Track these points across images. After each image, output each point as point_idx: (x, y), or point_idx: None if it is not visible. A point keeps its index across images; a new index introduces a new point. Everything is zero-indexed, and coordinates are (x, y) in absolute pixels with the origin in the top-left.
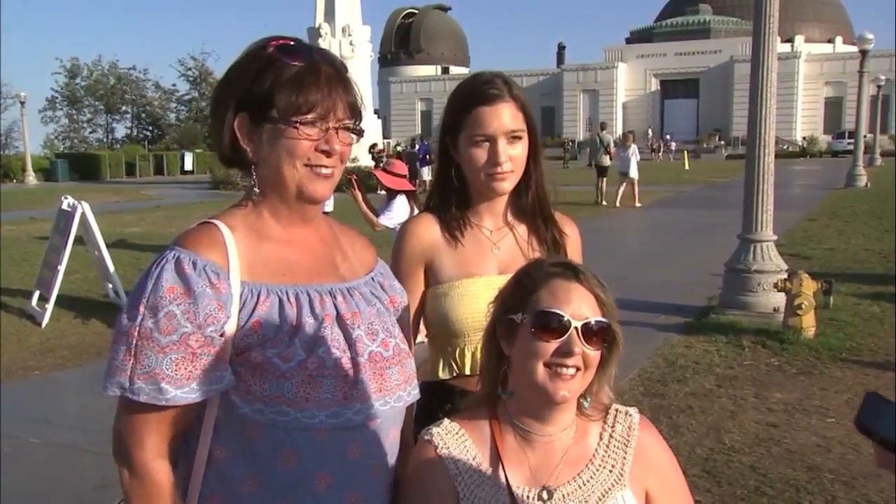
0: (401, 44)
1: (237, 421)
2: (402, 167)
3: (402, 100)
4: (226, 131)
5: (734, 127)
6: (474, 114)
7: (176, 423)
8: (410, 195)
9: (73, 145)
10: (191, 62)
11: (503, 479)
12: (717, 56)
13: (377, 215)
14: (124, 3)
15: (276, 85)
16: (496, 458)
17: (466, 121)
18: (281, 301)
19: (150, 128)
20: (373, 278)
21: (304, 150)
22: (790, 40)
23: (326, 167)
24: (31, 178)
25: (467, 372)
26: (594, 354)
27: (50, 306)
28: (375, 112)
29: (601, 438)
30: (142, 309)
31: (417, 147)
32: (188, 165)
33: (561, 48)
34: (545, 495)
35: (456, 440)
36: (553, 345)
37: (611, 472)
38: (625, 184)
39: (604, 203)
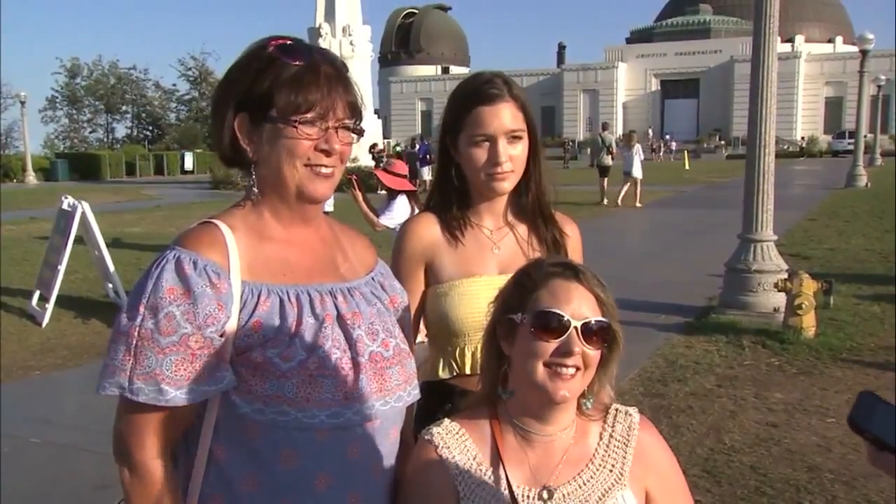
0: (401, 44)
1: (237, 421)
2: (402, 167)
3: (402, 100)
4: (226, 131)
5: (734, 127)
6: (474, 113)
7: (176, 423)
8: (411, 195)
9: (73, 145)
10: (191, 62)
11: (503, 479)
12: (718, 56)
13: (377, 215)
14: (125, 3)
15: (275, 84)
16: (496, 457)
17: (467, 120)
18: (281, 301)
19: (151, 128)
20: (373, 278)
21: (303, 149)
22: (790, 40)
23: (326, 167)
24: (32, 177)
25: (467, 371)
26: (594, 354)
27: (50, 306)
28: (376, 112)
29: (601, 438)
30: (142, 309)
31: (418, 147)
32: (188, 165)
33: (561, 48)
34: (545, 495)
35: (456, 440)
36: (553, 344)
37: (611, 471)
38: (628, 183)
39: (605, 202)
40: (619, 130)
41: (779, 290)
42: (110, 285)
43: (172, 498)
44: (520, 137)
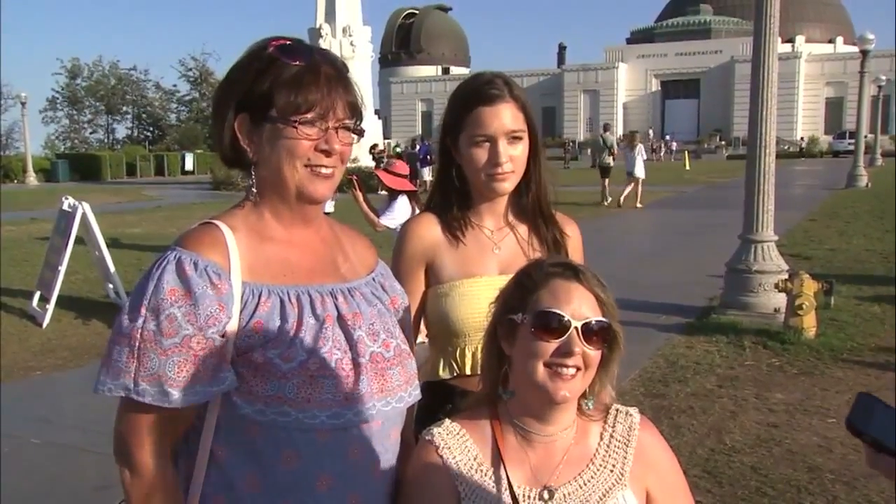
0: (401, 44)
1: (238, 421)
2: (403, 167)
3: (402, 100)
4: (226, 131)
5: (735, 127)
6: (475, 114)
7: (177, 424)
8: (412, 195)
9: (73, 146)
10: (191, 63)
11: (504, 479)
12: (718, 56)
13: (378, 215)
14: (125, 3)
15: (275, 85)
16: (497, 457)
17: (467, 121)
18: (282, 302)
19: (151, 128)
20: (374, 279)
21: (303, 149)
22: (791, 40)
23: (326, 167)
24: (32, 178)
25: (468, 372)
26: (594, 354)
27: (51, 307)
28: (376, 112)
29: (602, 438)
30: (143, 311)
31: (418, 147)
32: (189, 166)
33: (561, 48)
34: (546, 495)
35: (457, 440)
36: (553, 345)
37: (611, 471)
38: (632, 184)
39: (607, 202)
40: (620, 131)
41: (779, 291)
42: (111, 286)
43: (173, 498)
44: (520, 138)
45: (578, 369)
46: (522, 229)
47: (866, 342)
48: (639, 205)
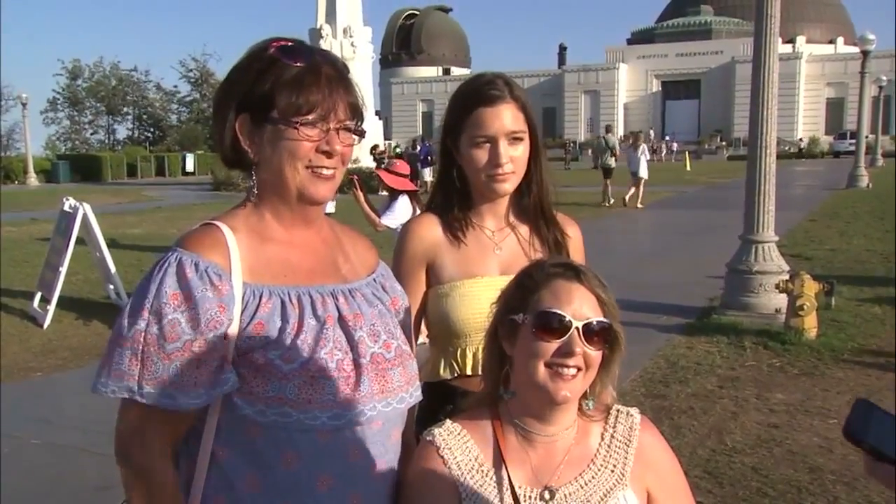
0: (402, 45)
1: (239, 422)
2: (404, 167)
3: (403, 101)
4: (227, 132)
5: (735, 128)
6: (475, 115)
7: (178, 425)
8: (412, 195)
9: (74, 147)
10: (192, 63)
11: (505, 480)
12: (719, 57)
13: (379, 216)
14: (126, 4)
15: (276, 86)
16: (498, 458)
17: (467, 122)
18: (283, 302)
19: (152, 129)
20: (374, 279)
21: (304, 151)
22: (791, 41)
23: (327, 168)
24: (33, 179)
25: (468, 372)
26: (595, 354)
27: (51, 307)
28: (377, 113)
29: (602, 438)
30: (146, 314)
31: (419, 148)
32: (189, 167)
33: (562, 49)
34: (547, 495)
35: (458, 441)
36: (554, 345)
37: (612, 472)
38: (636, 183)
39: (609, 202)
40: (620, 131)
41: (780, 291)
42: (111, 287)
43: (174, 499)
44: (521, 139)
45: (579, 369)
46: (524, 230)
47: (867, 343)
48: (639, 205)
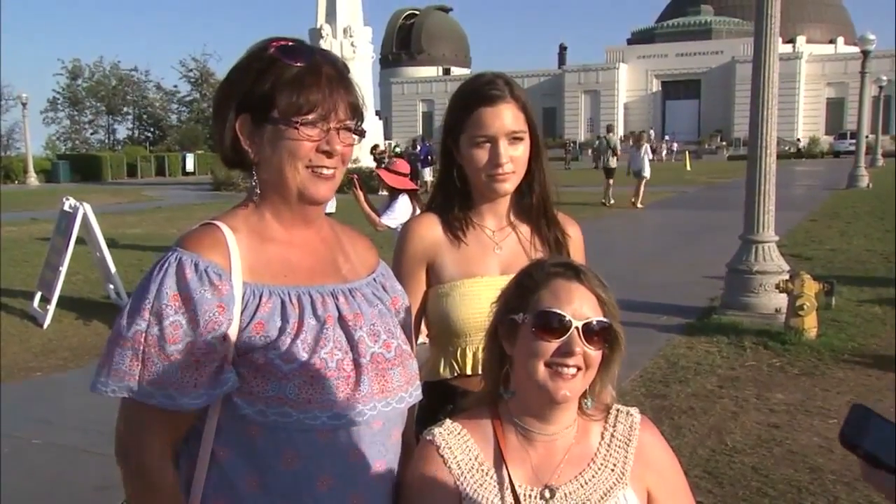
0: (402, 45)
1: (239, 422)
2: (404, 166)
3: (403, 101)
4: (227, 132)
5: (736, 128)
6: (475, 115)
7: (179, 425)
8: (413, 195)
9: (74, 146)
10: (192, 63)
11: (506, 479)
12: (719, 57)
13: (379, 215)
14: (126, 4)
15: (276, 85)
16: (499, 457)
17: (468, 122)
18: (283, 302)
19: (152, 129)
20: (374, 279)
21: (305, 150)
22: (792, 41)
23: (328, 168)
24: (33, 179)
25: (468, 372)
26: (595, 354)
27: (51, 307)
28: (377, 113)
29: (602, 438)
30: (147, 315)
31: (419, 148)
32: (189, 166)
33: (562, 49)
34: (547, 494)
35: (458, 440)
36: (554, 344)
37: (612, 471)
38: (641, 183)
39: (611, 202)
40: (621, 131)
41: (780, 291)
42: (111, 286)
43: (174, 499)
44: (521, 138)
45: (579, 369)
46: (524, 229)
47: (867, 343)
48: (640, 205)
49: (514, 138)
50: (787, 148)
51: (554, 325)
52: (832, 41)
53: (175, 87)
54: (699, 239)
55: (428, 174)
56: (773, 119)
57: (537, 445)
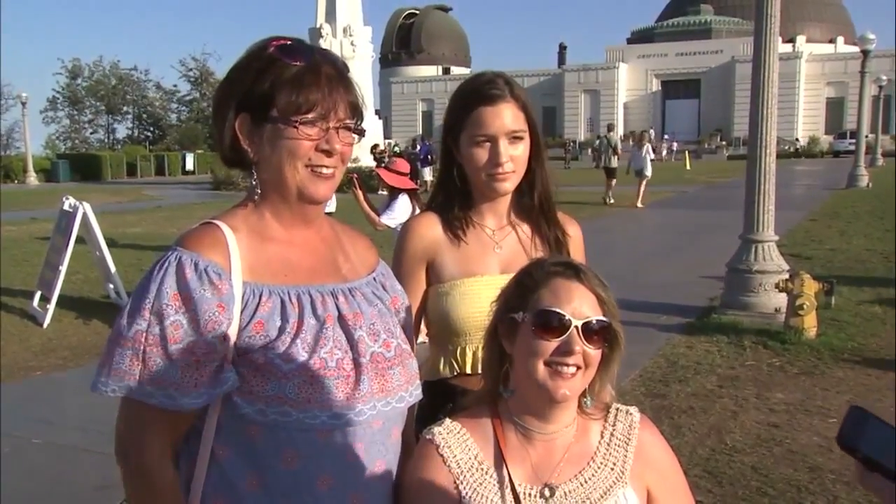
0: (402, 44)
1: (239, 421)
2: (404, 165)
3: (403, 100)
4: (227, 132)
5: (735, 127)
6: (476, 114)
7: (179, 424)
8: (412, 194)
9: (74, 146)
10: (192, 63)
11: (506, 478)
12: (719, 56)
13: (379, 215)
14: (126, 3)
15: (276, 85)
16: (499, 456)
17: (468, 121)
18: (283, 302)
19: (152, 128)
20: (374, 279)
21: (304, 150)
22: (792, 40)
23: (327, 167)
24: (33, 178)
25: (468, 371)
26: (595, 353)
27: (51, 307)
28: (377, 112)
29: (602, 437)
30: (147, 314)
31: (419, 147)
32: (189, 166)
33: (562, 48)
34: (547, 492)
35: (457, 439)
36: (553, 343)
37: (612, 469)
38: (643, 182)
39: (611, 201)
40: (621, 131)
41: (780, 291)
42: (111, 286)
43: (174, 498)
44: (521, 138)
45: (579, 368)
46: (524, 228)
47: (867, 342)
48: (640, 204)
49: (515, 137)
50: (786, 147)
51: (553, 324)
52: (832, 41)
53: (175, 86)
54: (699, 238)
55: (428, 174)
56: (773, 118)
57: (537, 444)
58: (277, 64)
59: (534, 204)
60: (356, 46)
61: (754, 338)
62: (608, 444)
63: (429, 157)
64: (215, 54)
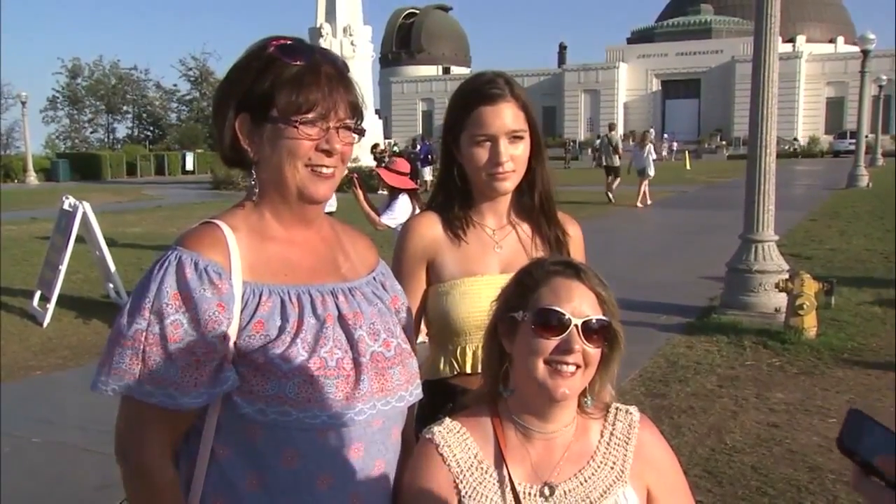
0: (402, 44)
1: (239, 421)
2: (404, 165)
3: (403, 100)
4: (227, 131)
5: (735, 127)
6: (476, 113)
7: (178, 424)
8: (413, 194)
9: (74, 145)
10: (192, 62)
11: (506, 477)
12: (719, 56)
13: (379, 214)
14: (126, 3)
15: (276, 84)
16: (499, 455)
17: (468, 120)
18: (283, 301)
19: (151, 128)
20: (374, 278)
21: (304, 149)
22: (792, 40)
23: (327, 167)
24: (33, 178)
25: (468, 370)
26: (594, 352)
27: (51, 306)
28: (377, 112)
29: (602, 436)
30: (147, 314)
31: (419, 147)
32: (189, 165)
33: (562, 48)
34: (547, 491)
35: (457, 438)
36: (553, 342)
37: (612, 468)
38: (646, 181)
39: (613, 201)
40: (621, 130)
41: (780, 291)
42: (111, 285)
43: (174, 498)
44: (521, 137)
45: (578, 367)
46: (525, 228)
47: (867, 342)
48: (639, 204)
49: (515, 137)
50: (786, 147)
51: (553, 323)
52: (832, 40)
53: (175, 85)
54: (699, 238)
55: (428, 173)
56: (773, 118)
57: (536, 443)
58: (277, 63)
59: (534, 203)
60: (356, 46)
61: (754, 338)
62: (608, 444)
63: (429, 156)
64: (215, 54)
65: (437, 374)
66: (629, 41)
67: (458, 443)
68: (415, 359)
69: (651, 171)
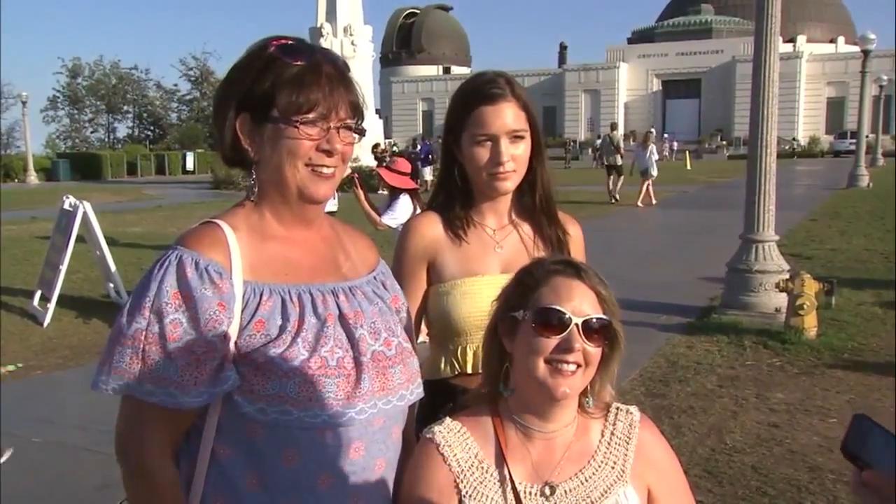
0: (402, 44)
1: (240, 420)
2: (405, 165)
3: (403, 100)
4: (227, 131)
5: (736, 127)
6: (476, 113)
7: (179, 424)
8: (413, 194)
9: (74, 145)
10: (192, 62)
11: (506, 476)
12: (719, 56)
13: (380, 214)
14: (126, 3)
15: (277, 84)
16: (499, 454)
17: (469, 120)
18: (283, 301)
19: (152, 127)
20: (375, 277)
21: (305, 149)
22: (792, 40)
23: (328, 167)
24: (33, 177)
25: (469, 370)
26: (595, 351)
27: (51, 306)
28: (377, 112)
29: (602, 435)
30: (147, 313)
31: (419, 147)
32: (189, 165)
33: (563, 48)
34: (547, 491)
35: (458, 438)
36: (554, 341)
37: (613, 468)
38: (648, 181)
39: (615, 199)
40: (621, 130)
41: (780, 291)
42: (111, 285)
43: (174, 497)
44: (522, 137)
45: (579, 366)
46: (525, 228)
47: (867, 342)
48: (640, 204)
49: (515, 137)
50: (786, 147)
51: (554, 322)
52: (833, 40)
53: (175, 85)
54: (699, 238)
55: (428, 173)
56: (774, 118)
57: (537, 443)
58: (278, 63)
59: (535, 203)
60: (356, 46)
61: (754, 338)
62: (608, 443)
63: (429, 156)
64: (215, 53)
65: (438, 373)
66: (629, 41)
67: (459, 442)
68: (415, 358)
69: (654, 171)
